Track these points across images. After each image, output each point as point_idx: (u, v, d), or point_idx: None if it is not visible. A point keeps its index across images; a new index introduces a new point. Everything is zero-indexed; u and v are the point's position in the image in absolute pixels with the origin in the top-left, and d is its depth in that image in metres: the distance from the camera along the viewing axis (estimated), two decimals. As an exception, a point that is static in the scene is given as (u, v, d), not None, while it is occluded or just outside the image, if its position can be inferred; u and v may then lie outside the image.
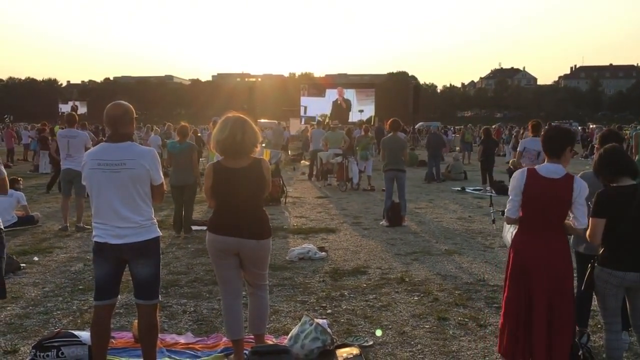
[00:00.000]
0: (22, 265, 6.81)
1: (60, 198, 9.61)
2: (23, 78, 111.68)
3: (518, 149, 9.42)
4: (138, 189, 3.62)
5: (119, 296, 3.91)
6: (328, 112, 36.60)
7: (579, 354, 3.80)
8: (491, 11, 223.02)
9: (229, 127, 3.89)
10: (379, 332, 4.82)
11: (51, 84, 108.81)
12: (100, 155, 3.64)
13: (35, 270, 6.76)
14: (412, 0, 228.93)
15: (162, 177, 3.79)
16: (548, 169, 3.65)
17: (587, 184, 3.62)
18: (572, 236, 4.31)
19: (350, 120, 35.24)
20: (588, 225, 3.63)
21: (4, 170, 3.88)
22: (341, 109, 37.92)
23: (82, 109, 61.94)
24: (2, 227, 3.96)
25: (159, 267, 3.76)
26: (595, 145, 4.48)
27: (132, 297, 4.03)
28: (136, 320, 3.99)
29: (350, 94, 40.35)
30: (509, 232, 4.30)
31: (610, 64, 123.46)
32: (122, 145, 3.64)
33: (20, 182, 10.36)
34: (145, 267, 3.64)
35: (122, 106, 3.75)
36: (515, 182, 3.68)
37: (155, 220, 3.78)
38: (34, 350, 4.10)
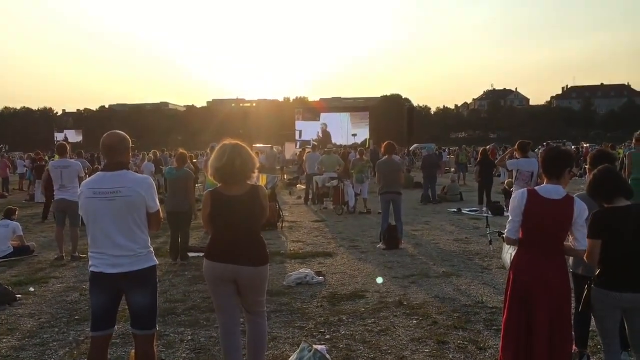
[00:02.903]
0: (18, 296, 6.76)
1: (55, 228, 9.57)
2: (19, 108, 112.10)
3: (509, 168, 9.39)
4: (134, 216, 3.62)
5: (116, 326, 3.88)
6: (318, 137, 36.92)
7: (580, 375, 3.79)
8: (482, 34, 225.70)
9: (227, 154, 3.91)
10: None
11: (47, 113, 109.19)
12: (96, 184, 3.65)
13: (31, 301, 6.70)
14: (404, 24, 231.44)
15: (158, 204, 3.79)
16: (548, 190, 3.67)
17: (586, 207, 3.64)
18: (571, 258, 4.31)
19: (344, 143, 35.37)
20: None
21: None
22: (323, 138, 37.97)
23: (78, 137, 62.10)
24: None
25: (156, 296, 3.74)
26: (586, 167, 4.51)
27: (129, 327, 4.00)
28: (133, 351, 3.95)
29: (344, 117, 40.65)
30: (508, 253, 4.30)
31: (602, 84, 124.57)
32: (118, 173, 3.66)
33: (16, 212, 10.31)
34: (142, 296, 3.62)
35: (118, 135, 3.78)
36: (516, 203, 3.69)
37: (152, 249, 3.77)
38: (30, 383, 4.05)
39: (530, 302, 3.61)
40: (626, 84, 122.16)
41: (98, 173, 3.80)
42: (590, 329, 4.53)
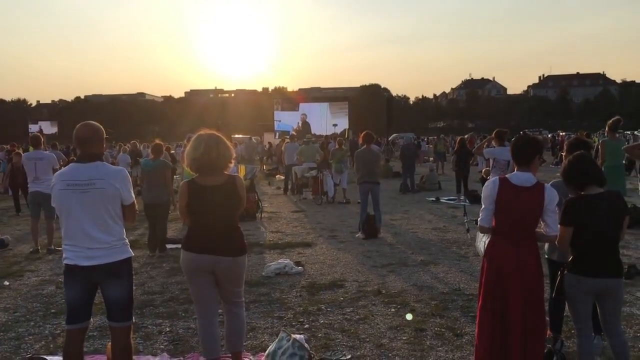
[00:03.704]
0: (-9, 290, 6.66)
1: (30, 221, 9.43)
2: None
3: (486, 156, 9.43)
4: (108, 208, 3.58)
5: (92, 319, 3.85)
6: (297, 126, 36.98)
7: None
8: (460, 23, 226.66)
9: (204, 144, 3.89)
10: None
11: (20, 104, 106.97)
12: (70, 175, 3.60)
13: (5, 295, 6.61)
14: (381, 14, 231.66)
15: (134, 196, 3.75)
16: (519, 177, 3.71)
17: (557, 193, 3.69)
18: (546, 244, 4.38)
19: (323, 133, 35.36)
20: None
21: None
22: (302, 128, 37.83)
23: (53, 129, 61.06)
24: None
25: (132, 288, 3.71)
26: (563, 154, 4.56)
27: (105, 319, 3.97)
28: (110, 343, 3.93)
29: (323, 107, 40.54)
30: (482, 241, 4.34)
31: (577, 73, 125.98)
32: (92, 165, 3.61)
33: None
34: (118, 288, 3.59)
35: (92, 126, 3.72)
36: (488, 192, 3.73)
37: (127, 240, 3.73)
38: (4, 378, 4.00)
39: (504, 289, 3.65)
40: (601, 72, 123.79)
41: (71, 164, 3.74)
42: (564, 313, 4.61)
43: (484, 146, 9.78)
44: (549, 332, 4.38)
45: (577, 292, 3.70)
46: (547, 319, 4.30)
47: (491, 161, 9.19)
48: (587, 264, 3.65)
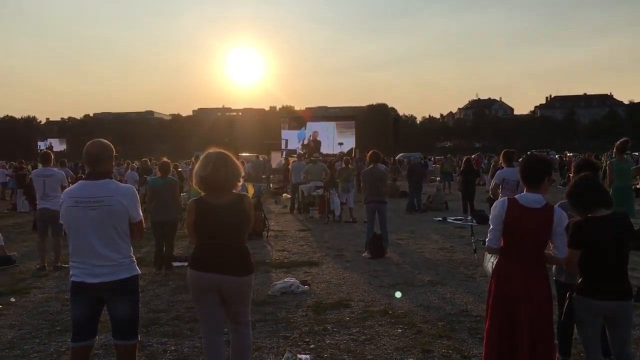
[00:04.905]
0: (-2, 306, 6.67)
1: (37, 238, 9.45)
2: (1, 116, 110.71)
3: (494, 181, 9.38)
4: (116, 226, 3.60)
5: (97, 336, 3.84)
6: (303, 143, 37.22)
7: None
8: (467, 44, 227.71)
9: (212, 162, 3.89)
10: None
11: (30, 121, 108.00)
12: (78, 193, 3.62)
13: (12, 312, 6.61)
14: (388, 34, 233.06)
15: (141, 214, 3.76)
16: (528, 198, 3.68)
17: (566, 215, 3.66)
18: (554, 266, 4.34)
19: (330, 152, 35.48)
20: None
21: None
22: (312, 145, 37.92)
23: (62, 146, 61.54)
24: None
25: (138, 306, 3.71)
26: (570, 175, 4.55)
27: (110, 337, 3.95)
28: (115, 361, 3.92)
29: (330, 126, 40.67)
30: (490, 261, 4.32)
31: (584, 94, 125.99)
32: (101, 182, 3.63)
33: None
34: (124, 306, 3.59)
35: (101, 144, 3.76)
36: (496, 212, 3.70)
37: (134, 258, 3.74)
38: (9, 395, 3.98)
39: (512, 311, 3.62)
40: (608, 94, 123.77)
41: (80, 182, 3.77)
42: (573, 336, 4.55)
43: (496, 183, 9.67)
44: (557, 355, 4.33)
45: (586, 315, 3.66)
46: (556, 341, 4.26)
47: (500, 182, 9.16)
48: (595, 287, 3.61)
